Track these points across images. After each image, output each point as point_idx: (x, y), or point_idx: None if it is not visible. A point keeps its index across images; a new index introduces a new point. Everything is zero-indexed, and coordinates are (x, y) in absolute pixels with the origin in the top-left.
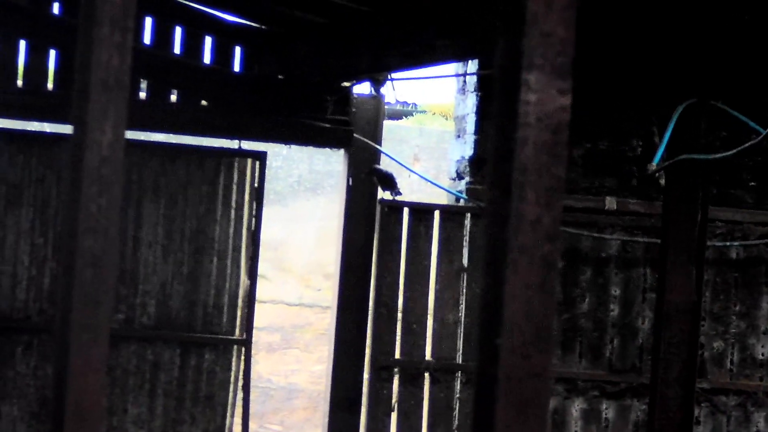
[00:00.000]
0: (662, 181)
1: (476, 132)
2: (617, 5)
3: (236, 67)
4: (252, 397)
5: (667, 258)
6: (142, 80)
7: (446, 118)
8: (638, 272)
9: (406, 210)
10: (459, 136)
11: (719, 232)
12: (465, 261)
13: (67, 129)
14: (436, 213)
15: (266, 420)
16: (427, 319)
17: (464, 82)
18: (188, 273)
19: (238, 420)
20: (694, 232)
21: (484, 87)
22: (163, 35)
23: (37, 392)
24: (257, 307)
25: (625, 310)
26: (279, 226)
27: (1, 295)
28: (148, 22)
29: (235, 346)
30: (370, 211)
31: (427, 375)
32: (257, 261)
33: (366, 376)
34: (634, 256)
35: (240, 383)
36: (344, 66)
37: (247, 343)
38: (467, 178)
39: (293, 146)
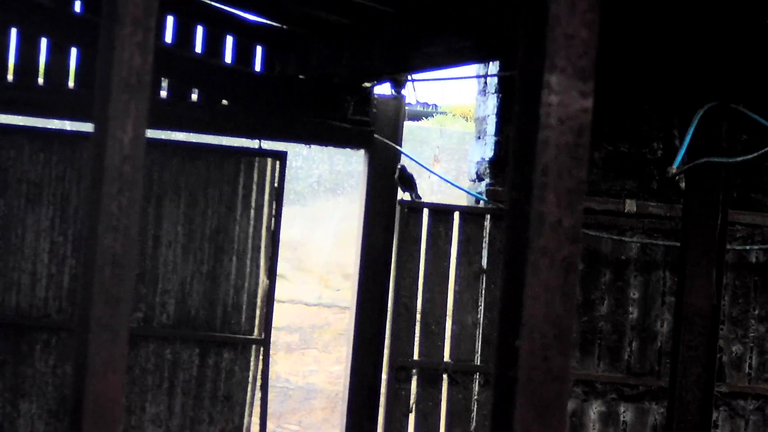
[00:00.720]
0: (682, 184)
1: (497, 134)
2: (639, 7)
3: (257, 67)
4: (270, 396)
5: (687, 261)
6: (163, 79)
7: (467, 120)
8: (657, 275)
9: (425, 211)
10: (479, 138)
11: (739, 236)
12: (484, 263)
13: (88, 127)
14: (456, 214)
15: (284, 420)
16: (445, 320)
17: (485, 83)
18: (207, 272)
19: (256, 420)
20: (714, 236)
21: (505, 88)
22: (184, 34)
23: (55, 390)
24: (276, 306)
25: (644, 313)
26: (299, 226)
27: (21, 292)
28: (170, 21)
29: (254, 346)
30: (389, 212)
31: (445, 376)
32: (276, 261)
33: (384, 376)
34: (654, 259)
35: (258, 383)
36: (366, 66)
37: (265, 342)
38: (487, 180)
39: (314, 146)
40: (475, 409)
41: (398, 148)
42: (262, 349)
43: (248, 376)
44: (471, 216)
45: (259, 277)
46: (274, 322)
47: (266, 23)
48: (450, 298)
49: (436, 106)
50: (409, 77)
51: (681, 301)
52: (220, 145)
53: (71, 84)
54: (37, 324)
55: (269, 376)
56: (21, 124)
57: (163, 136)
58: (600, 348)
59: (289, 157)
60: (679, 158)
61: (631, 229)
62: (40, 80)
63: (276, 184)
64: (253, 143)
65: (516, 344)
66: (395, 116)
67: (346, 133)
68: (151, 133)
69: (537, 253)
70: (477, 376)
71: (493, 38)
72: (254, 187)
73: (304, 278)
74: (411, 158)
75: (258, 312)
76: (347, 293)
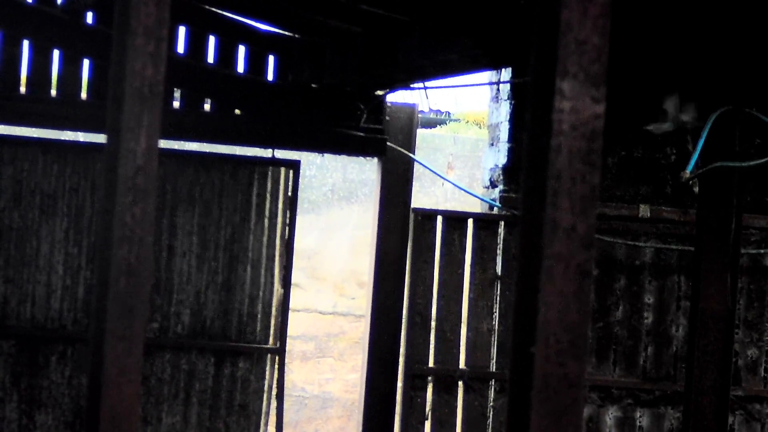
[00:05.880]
0: (696, 189)
1: (510, 140)
2: (652, 12)
3: (270, 77)
4: (286, 405)
5: (702, 266)
6: (176, 89)
7: (480, 127)
8: (672, 280)
9: (439, 218)
10: (492, 145)
11: (753, 240)
12: (499, 269)
13: (101, 138)
14: (470, 221)
15: (300, 429)
16: (460, 327)
17: (498, 90)
18: (222, 282)
19: (272, 429)
20: (729, 240)
21: (517, 95)
22: (197, 45)
23: (71, 402)
24: (291, 315)
25: (660, 318)
26: (313, 234)
27: (36, 304)
28: (182, 31)
29: (269, 355)
30: (404, 220)
31: (460, 383)
32: (291, 270)
33: (400, 384)
34: (668, 264)
35: (274, 392)
36: (379, 75)
37: (281, 351)
38: (501, 186)
39: (327, 155)
40: (490, 416)
41: (412, 156)
42: (277, 358)
43: (264, 386)
44: (485, 223)
45: (273, 286)
46: (289, 331)
47: (279, 33)
48: (465, 305)
49: (449, 113)
50: (423, 85)
51: (696, 305)
52: (234, 154)
53: (84, 95)
54: (52, 335)
55: (285, 385)
56: (34, 135)
57: (176, 147)
58: (615, 353)
59: (302, 166)
60: (692, 163)
61: (646, 234)
62: (53, 92)
63: (290, 193)
64: (267, 152)
65: (530, 350)
66: (408, 124)
67: (360, 141)
68: (164, 144)
69: (551, 259)
70: (492, 382)
71: (505, 45)
72: (268, 196)
73: (318, 287)
74: (425, 166)
75: (273, 321)
76: (362, 301)
